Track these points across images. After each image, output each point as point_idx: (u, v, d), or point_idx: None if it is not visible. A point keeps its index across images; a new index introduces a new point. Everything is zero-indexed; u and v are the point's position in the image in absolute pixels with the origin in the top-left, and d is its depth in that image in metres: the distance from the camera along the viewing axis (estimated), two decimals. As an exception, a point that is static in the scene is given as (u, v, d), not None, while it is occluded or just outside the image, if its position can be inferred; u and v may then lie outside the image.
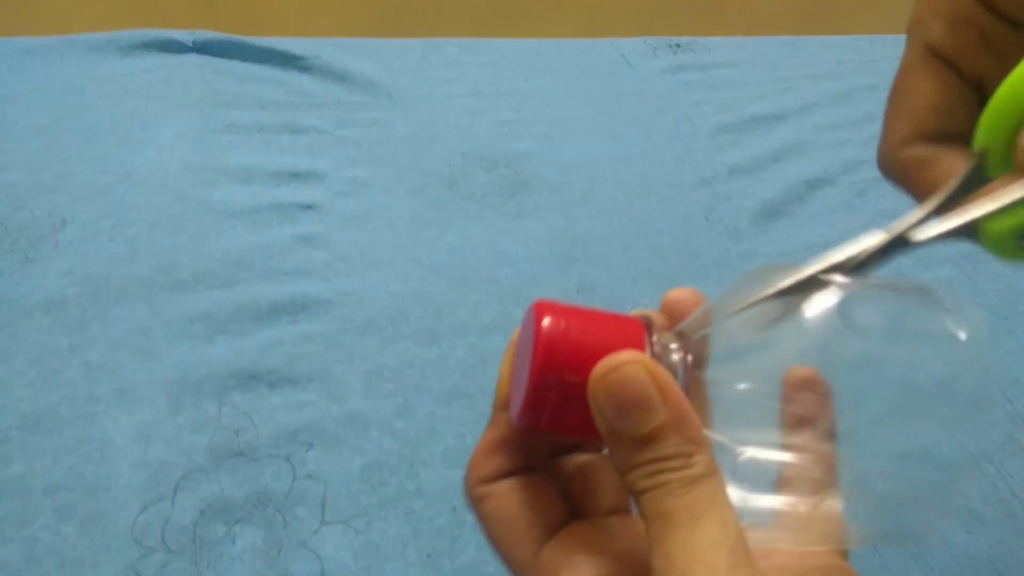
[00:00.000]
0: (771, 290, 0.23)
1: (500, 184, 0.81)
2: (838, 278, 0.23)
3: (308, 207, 0.76)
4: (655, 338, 0.23)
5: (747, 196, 0.81)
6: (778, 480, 0.24)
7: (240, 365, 0.60)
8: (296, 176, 0.79)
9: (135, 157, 0.79)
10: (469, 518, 0.53)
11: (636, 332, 0.22)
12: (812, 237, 0.77)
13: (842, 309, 0.23)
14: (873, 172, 0.90)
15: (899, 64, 0.33)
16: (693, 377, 0.23)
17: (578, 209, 0.79)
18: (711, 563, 0.18)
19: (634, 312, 0.25)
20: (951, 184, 0.24)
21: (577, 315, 0.22)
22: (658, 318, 0.25)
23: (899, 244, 0.24)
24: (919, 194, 0.30)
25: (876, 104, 0.96)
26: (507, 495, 0.23)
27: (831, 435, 0.24)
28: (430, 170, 0.82)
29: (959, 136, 0.30)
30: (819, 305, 0.23)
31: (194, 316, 0.64)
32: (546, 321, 0.22)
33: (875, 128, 1.01)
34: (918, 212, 0.24)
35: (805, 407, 0.24)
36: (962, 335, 0.22)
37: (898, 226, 0.24)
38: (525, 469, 0.24)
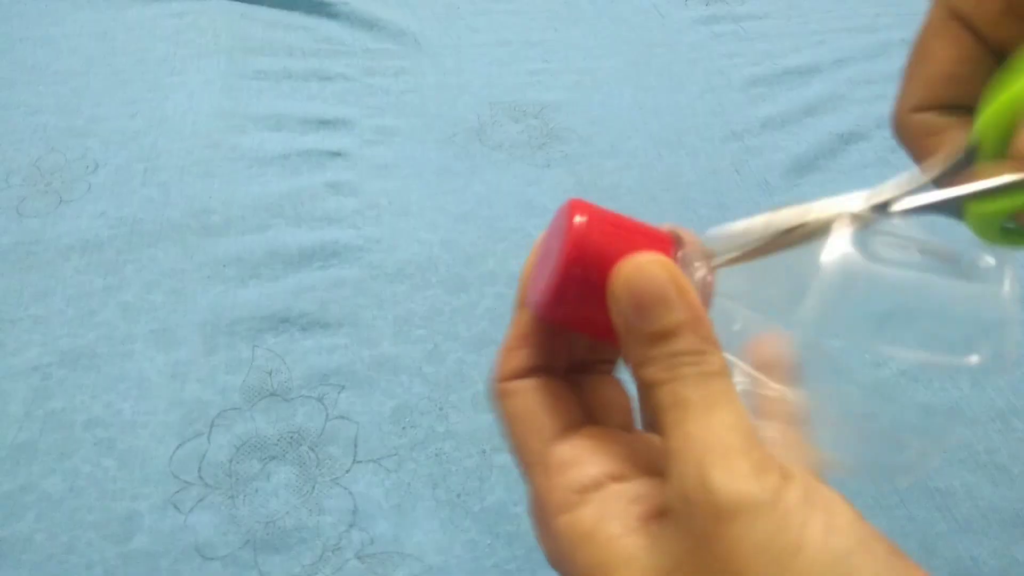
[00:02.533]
0: (793, 223, 0.23)
1: (529, 134, 0.80)
2: (868, 219, 0.23)
3: (337, 154, 0.76)
4: (681, 253, 0.23)
5: (779, 150, 0.80)
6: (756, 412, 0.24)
7: (272, 308, 0.61)
8: (325, 123, 0.79)
9: (165, 102, 0.80)
10: (498, 460, 0.54)
11: (664, 243, 0.23)
12: (844, 192, 0.76)
13: (867, 249, 0.23)
14: (909, 127, 0.88)
15: (921, 24, 0.33)
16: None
17: (607, 161, 0.78)
18: (728, 443, 0.19)
19: (665, 225, 0.25)
20: (947, 159, 0.24)
21: (609, 219, 0.23)
22: (687, 236, 0.25)
23: (879, 211, 0.23)
24: (920, 160, 0.30)
25: (913, 59, 0.95)
26: (527, 393, 0.24)
27: (795, 382, 0.24)
28: (458, 119, 0.81)
29: (973, 106, 0.29)
30: (840, 244, 0.23)
31: (226, 260, 0.64)
32: (578, 219, 0.22)
33: (912, 82, 0.97)
34: (906, 181, 0.24)
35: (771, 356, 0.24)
36: (990, 295, 0.22)
37: (881, 192, 0.23)
38: (546, 370, 0.24)
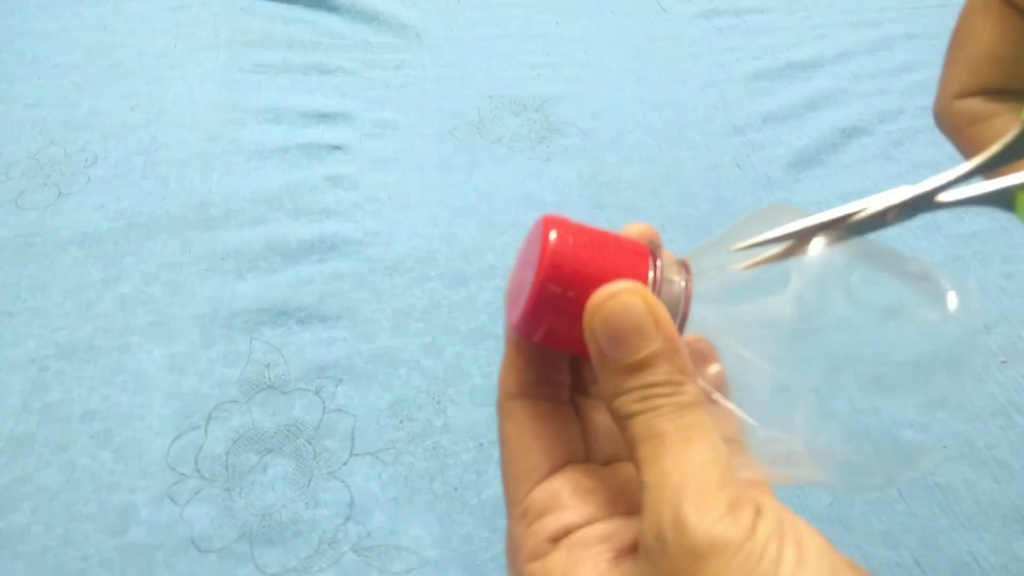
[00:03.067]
0: (770, 235, 0.22)
1: (529, 128, 0.80)
2: (840, 235, 0.22)
3: (336, 148, 0.75)
4: (659, 263, 0.22)
5: (781, 144, 0.80)
6: None
7: (271, 301, 0.61)
8: (324, 117, 0.79)
9: (165, 95, 0.79)
10: (495, 454, 0.53)
11: (640, 258, 0.22)
12: (846, 187, 0.76)
13: (836, 269, 0.22)
14: (910, 122, 0.88)
15: (962, 6, 0.31)
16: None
17: (608, 154, 0.78)
18: (703, 480, 0.18)
19: (637, 229, 0.24)
20: (994, 147, 0.23)
21: (584, 234, 0.22)
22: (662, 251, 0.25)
23: (924, 203, 0.22)
24: (966, 151, 0.29)
25: (915, 53, 0.94)
26: (521, 419, 0.23)
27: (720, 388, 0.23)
28: (459, 113, 0.81)
29: (1021, 90, 0.28)
30: (814, 262, 0.22)
31: (225, 253, 0.64)
32: (553, 235, 0.21)
33: (913, 78, 0.99)
34: (952, 172, 0.23)
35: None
36: (951, 324, 0.22)
37: (928, 184, 0.23)
38: (548, 385, 0.24)
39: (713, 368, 0.23)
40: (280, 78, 0.83)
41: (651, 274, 0.22)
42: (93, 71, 0.82)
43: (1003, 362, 0.61)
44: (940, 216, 0.73)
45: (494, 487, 0.52)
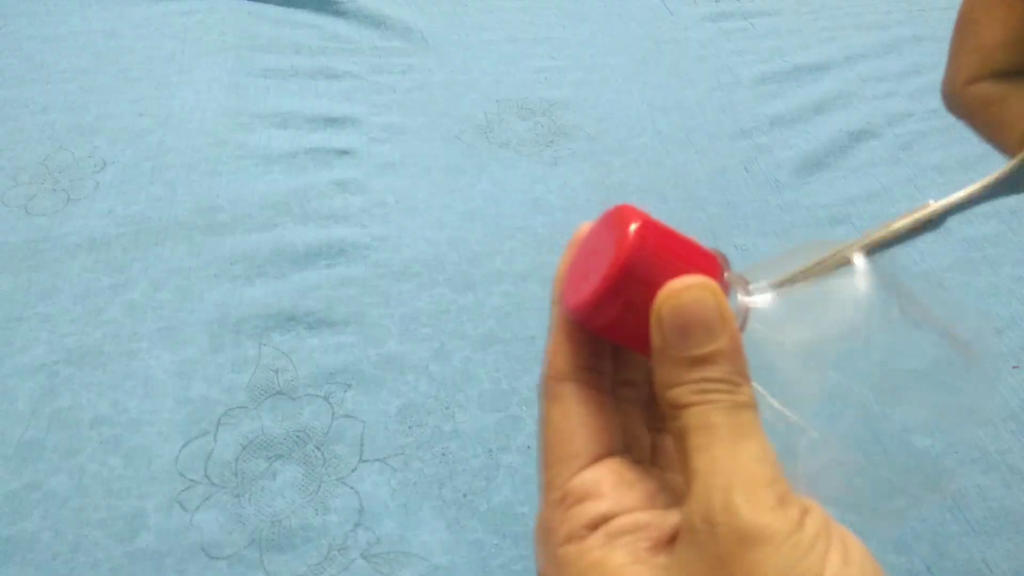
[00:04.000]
0: (808, 264, 0.23)
1: (536, 132, 0.80)
2: (868, 262, 0.23)
3: (344, 152, 0.75)
4: (727, 275, 0.23)
5: (788, 147, 0.80)
6: None
7: (279, 307, 0.61)
8: (332, 121, 0.79)
9: (173, 100, 0.79)
10: (504, 460, 0.53)
11: (712, 264, 0.23)
12: (854, 190, 0.75)
13: (868, 298, 0.23)
14: (919, 125, 0.88)
15: None
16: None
17: (615, 158, 0.78)
18: (754, 473, 0.19)
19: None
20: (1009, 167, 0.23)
21: (662, 231, 0.22)
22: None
23: (955, 211, 0.23)
24: (987, 132, 0.29)
25: (923, 55, 0.94)
26: (570, 402, 0.23)
27: None
28: (465, 117, 0.81)
29: None
30: (846, 289, 0.23)
31: (233, 258, 0.64)
32: (634, 226, 0.22)
33: (921, 80, 0.98)
34: (972, 189, 0.23)
35: None
36: (969, 355, 0.22)
37: (948, 202, 0.23)
38: (594, 371, 0.24)
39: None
40: (287, 83, 0.83)
41: (721, 280, 0.22)
42: (101, 76, 0.82)
43: (1015, 367, 0.61)
44: (950, 220, 0.72)
45: (503, 493, 0.51)
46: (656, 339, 0.21)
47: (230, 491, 0.50)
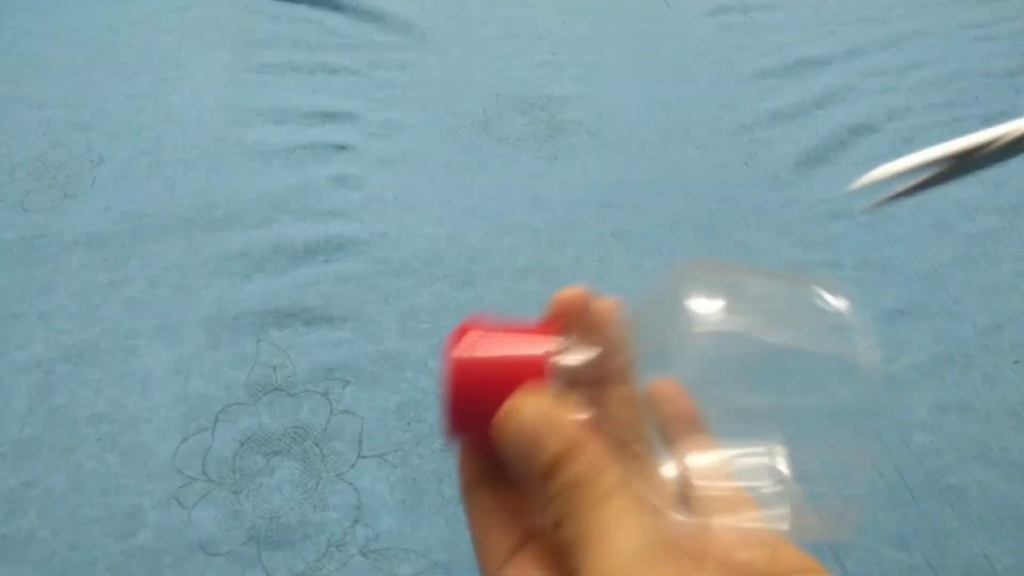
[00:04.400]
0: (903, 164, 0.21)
1: (535, 127, 0.79)
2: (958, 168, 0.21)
3: (342, 148, 0.75)
4: (557, 370, 0.23)
5: (788, 142, 0.79)
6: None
7: (277, 303, 0.60)
8: (330, 117, 0.78)
9: (170, 96, 0.79)
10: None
11: (537, 363, 0.23)
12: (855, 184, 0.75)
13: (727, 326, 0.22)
14: (919, 119, 0.87)
15: None
16: (617, 393, 0.23)
17: (615, 154, 0.77)
18: (629, 570, 0.18)
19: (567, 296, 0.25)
20: None
21: (489, 341, 0.23)
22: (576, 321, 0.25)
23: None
24: None
25: (924, 50, 0.93)
26: (480, 506, 0.24)
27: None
28: (464, 112, 0.81)
29: None
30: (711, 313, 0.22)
31: (231, 254, 0.64)
32: (451, 362, 0.23)
33: (922, 74, 0.97)
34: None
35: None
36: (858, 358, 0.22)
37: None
38: (526, 540, 0.24)
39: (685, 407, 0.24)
40: (285, 78, 0.83)
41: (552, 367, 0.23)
42: (99, 72, 0.82)
43: (1016, 362, 0.60)
44: (950, 215, 0.72)
45: (502, 490, 0.51)
46: (511, 467, 0.21)
47: (228, 488, 0.50)
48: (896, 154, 0.82)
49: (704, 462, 0.23)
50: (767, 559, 0.23)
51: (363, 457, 0.52)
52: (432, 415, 0.55)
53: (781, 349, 0.21)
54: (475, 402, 0.22)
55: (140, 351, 0.57)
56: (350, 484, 0.51)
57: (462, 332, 0.23)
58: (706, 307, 0.22)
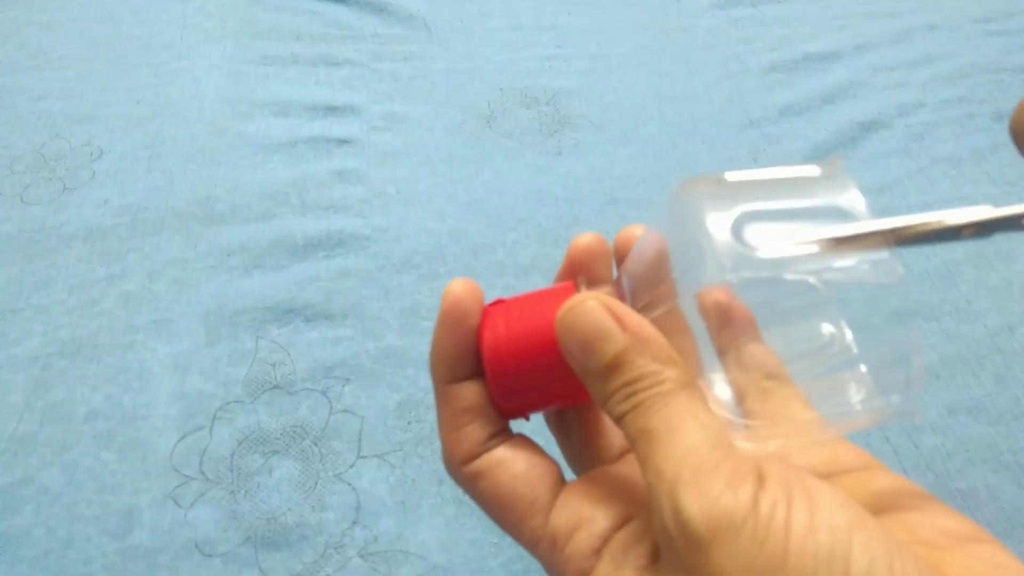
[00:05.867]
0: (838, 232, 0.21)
1: (540, 121, 0.78)
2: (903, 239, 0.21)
3: (344, 142, 0.74)
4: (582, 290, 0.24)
5: (798, 138, 0.78)
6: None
7: (277, 299, 0.60)
8: (332, 110, 0.77)
9: (171, 88, 0.78)
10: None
11: (567, 293, 0.23)
12: (865, 181, 0.73)
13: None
14: (931, 116, 0.86)
15: None
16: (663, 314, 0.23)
17: (620, 149, 0.76)
18: (696, 465, 0.18)
19: (584, 241, 0.25)
20: None
21: (515, 304, 0.24)
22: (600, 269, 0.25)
23: (1006, 224, 0.21)
24: None
25: (936, 44, 0.92)
26: (499, 469, 0.22)
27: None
28: (468, 106, 0.79)
29: None
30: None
31: (231, 249, 0.63)
32: (486, 326, 0.23)
33: (934, 70, 0.96)
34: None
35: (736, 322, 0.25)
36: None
37: (1014, 209, 0.21)
38: (502, 432, 0.24)
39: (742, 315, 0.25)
40: (287, 70, 0.82)
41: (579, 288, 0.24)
42: (99, 63, 0.81)
43: (1027, 364, 0.59)
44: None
45: (504, 491, 0.50)
46: (574, 367, 0.21)
47: (225, 487, 0.50)
48: (906, 151, 0.81)
49: (761, 361, 0.24)
50: (827, 459, 0.23)
51: (362, 457, 0.51)
52: (433, 415, 0.54)
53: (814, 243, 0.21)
54: (512, 356, 0.22)
55: (138, 347, 0.57)
56: (349, 484, 0.50)
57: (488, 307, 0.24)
58: (732, 225, 0.21)
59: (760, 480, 0.18)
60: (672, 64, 0.87)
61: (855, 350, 0.23)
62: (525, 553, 0.47)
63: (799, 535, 0.16)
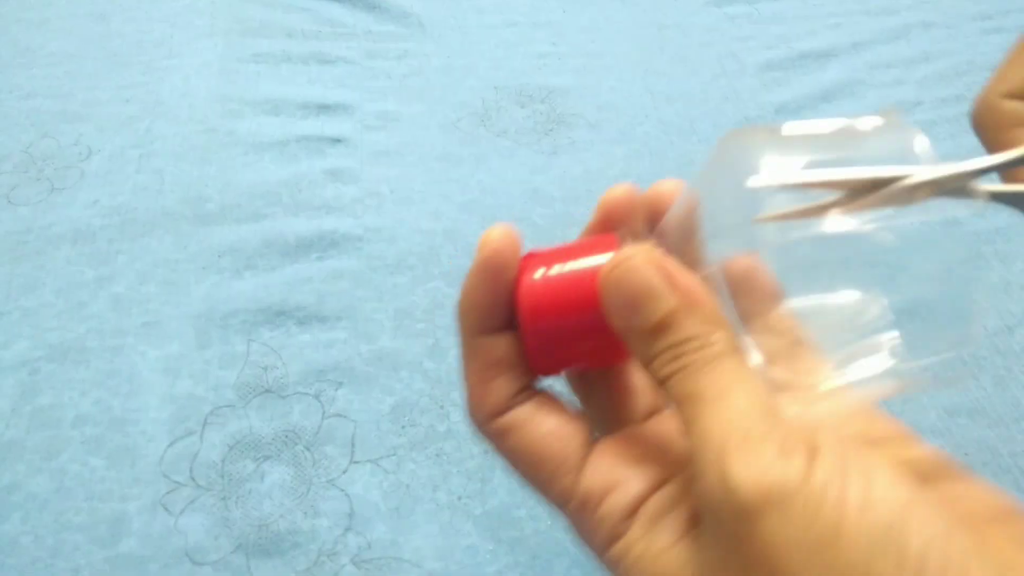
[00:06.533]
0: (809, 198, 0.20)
1: (535, 120, 0.78)
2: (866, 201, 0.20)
3: (337, 140, 0.73)
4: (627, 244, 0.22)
5: (794, 137, 0.77)
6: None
7: (268, 301, 0.59)
8: (325, 108, 0.77)
9: (161, 86, 0.77)
10: (501, 462, 0.51)
11: (609, 247, 0.22)
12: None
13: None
14: (928, 114, 0.85)
15: None
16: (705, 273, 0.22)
17: (616, 148, 0.75)
18: (746, 430, 0.17)
19: (617, 194, 0.24)
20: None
21: (554, 256, 0.22)
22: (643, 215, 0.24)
23: (959, 185, 0.20)
24: (997, 152, 0.27)
25: (932, 42, 0.91)
26: (529, 424, 0.22)
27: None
28: (463, 104, 0.79)
29: None
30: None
31: (221, 250, 0.62)
32: (523, 278, 0.22)
33: (931, 68, 0.96)
34: (989, 159, 0.20)
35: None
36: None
37: (967, 165, 0.20)
38: (528, 387, 0.23)
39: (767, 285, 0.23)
40: (279, 68, 0.81)
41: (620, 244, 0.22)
42: (88, 61, 0.80)
43: (1027, 365, 0.59)
44: (960, 212, 0.71)
45: (499, 496, 0.50)
46: (617, 324, 0.20)
47: (216, 494, 0.49)
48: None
49: (789, 326, 0.23)
50: (862, 429, 0.22)
51: (355, 462, 0.51)
52: (427, 419, 0.53)
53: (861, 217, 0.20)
54: (551, 312, 0.21)
55: (127, 350, 0.56)
56: (342, 490, 0.49)
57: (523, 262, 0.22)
58: (774, 180, 0.20)
59: (813, 451, 0.17)
60: (668, 62, 0.87)
61: (891, 316, 0.22)
62: (521, 559, 0.47)
63: (854, 511, 0.16)
